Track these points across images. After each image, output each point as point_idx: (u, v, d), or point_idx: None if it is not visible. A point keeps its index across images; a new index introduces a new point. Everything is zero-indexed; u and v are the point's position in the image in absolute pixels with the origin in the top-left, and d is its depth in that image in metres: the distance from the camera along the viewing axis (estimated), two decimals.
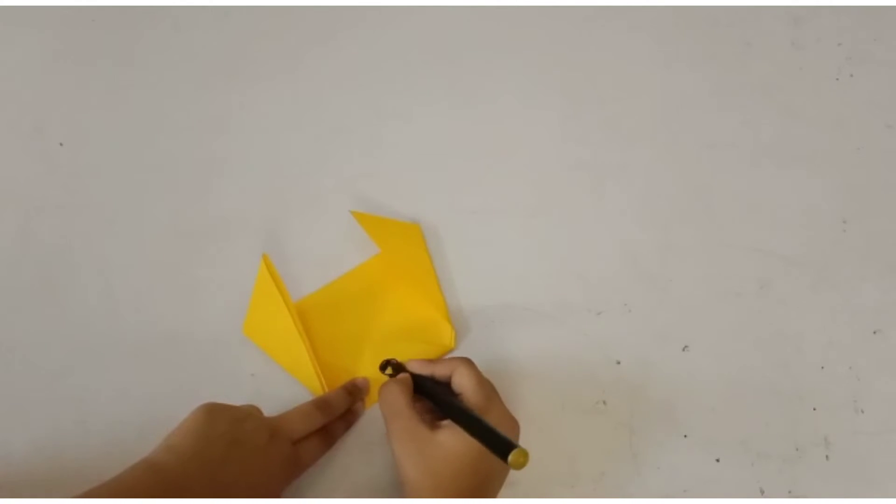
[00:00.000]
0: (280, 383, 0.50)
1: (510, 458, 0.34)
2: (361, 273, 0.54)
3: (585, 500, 0.48)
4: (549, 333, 0.53)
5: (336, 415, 0.47)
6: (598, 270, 0.55)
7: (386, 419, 0.44)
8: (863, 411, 0.51)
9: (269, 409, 0.46)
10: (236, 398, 0.45)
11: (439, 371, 0.45)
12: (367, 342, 0.52)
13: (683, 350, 0.53)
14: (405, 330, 0.52)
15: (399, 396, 0.43)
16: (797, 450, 0.50)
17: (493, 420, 0.41)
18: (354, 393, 0.49)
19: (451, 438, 0.41)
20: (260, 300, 0.51)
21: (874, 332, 0.54)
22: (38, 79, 0.61)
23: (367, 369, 0.51)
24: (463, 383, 0.44)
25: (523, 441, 0.49)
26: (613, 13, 0.65)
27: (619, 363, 0.52)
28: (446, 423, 0.42)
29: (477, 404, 0.42)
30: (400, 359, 0.49)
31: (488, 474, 0.41)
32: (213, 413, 0.42)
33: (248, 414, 0.43)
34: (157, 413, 0.42)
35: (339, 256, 0.55)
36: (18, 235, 0.55)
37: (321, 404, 0.46)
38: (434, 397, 0.44)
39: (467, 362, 0.45)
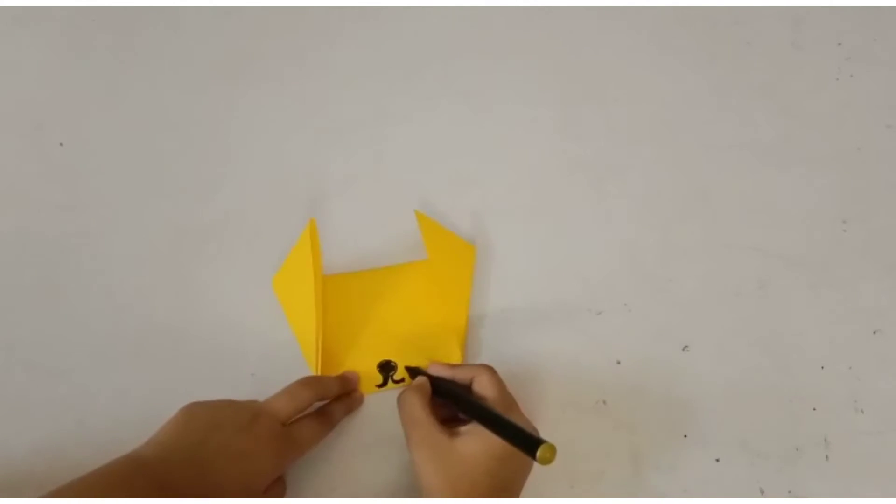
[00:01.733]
0: (280, 384, 0.50)
1: (538, 453, 0.35)
2: (399, 272, 0.54)
3: (585, 500, 0.48)
4: (549, 333, 0.53)
5: (326, 394, 0.47)
6: (598, 270, 0.55)
7: (405, 427, 0.44)
8: (863, 411, 0.51)
9: None
10: (236, 398, 0.45)
11: (460, 375, 0.46)
12: (374, 338, 0.52)
13: (683, 350, 0.53)
14: (415, 340, 0.52)
15: (417, 404, 0.44)
16: (797, 450, 0.50)
17: None
18: (345, 383, 0.49)
19: (470, 445, 0.41)
20: (294, 261, 0.51)
21: (874, 332, 0.54)
22: (38, 79, 0.61)
23: (362, 363, 0.51)
24: (486, 391, 0.44)
25: None
26: (613, 13, 0.65)
27: (619, 363, 0.52)
28: (464, 429, 0.43)
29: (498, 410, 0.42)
30: (398, 363, 0.49)
31: (507, 479, 0.42)
32: (194, 406, 0.42)
33: (230, 402, 0.43)
34: (157, 413, 0.42)
35: (333, 258, 0.55)
36: (18, 235, 0.55)
37: (308, 381, 0.46)
38: (456, 399, 0.45)
39: (489, 369, 0.45)
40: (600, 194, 0.58)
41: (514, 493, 0.43)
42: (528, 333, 0.53)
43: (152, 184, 0.57)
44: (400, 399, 0.46)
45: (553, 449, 0.35)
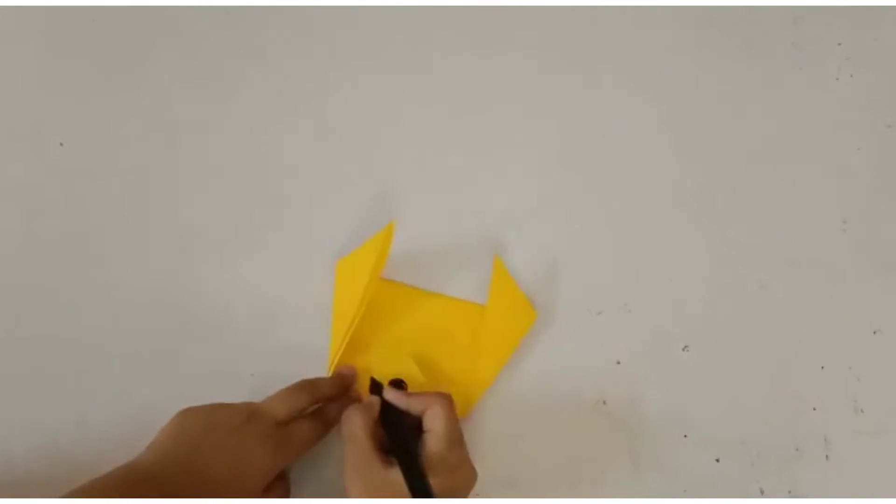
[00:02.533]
0: (280, 384, 0.50)
1: None
2: (452, 306, 0.53)
3: (585, 500, 0.48)
4: (549, 333, 0.53)
5: (321, 396, 0.47)
6: (598, 270, 0.55)
7: (344, 443, 0.43)
8: (863, 411, 0.51)
9: None
10: (236, 398, 0.45)
11: (415, 405, 0.45)
12: (395, 354, 0.51)
13: (683, 350, 0.53)
14: (436, 373, 0.51)
15: (358, 423, 0.43)
16: (797, 450, 0.50)
17: (451, 465, 0.41)
18: (342, 382, 0.49)
19: (402, 477, 0.40)
20: (362, 254, 0.51)
21: (874, 332, 0.54)
22: (38, 79, 0.61)
23: (373, 370, 0.50)
24: (434, 423, 0.43)
25: (522, 443, 0.49)
26: (613, 13, 0.65)
27: (619, 363, 0.52)
28: None
29: (440, 447, 0.42)
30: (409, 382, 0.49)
31: None
32: (189, 411, 0.43)
33: (224, 404, 0.43)
34: (157, 413, 0.42)
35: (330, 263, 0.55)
36: (18, 235, 0.55)
37: (304, 384, 0.46)
38: (389, 429, 0.44)
39: (445, 402, 0.44)
40: (600, 194, 0.58)
41: None
42: (528, 333, 0.52)
43: (152, 184, 0.57)
44: (343, 416, 0.45)
45: None
